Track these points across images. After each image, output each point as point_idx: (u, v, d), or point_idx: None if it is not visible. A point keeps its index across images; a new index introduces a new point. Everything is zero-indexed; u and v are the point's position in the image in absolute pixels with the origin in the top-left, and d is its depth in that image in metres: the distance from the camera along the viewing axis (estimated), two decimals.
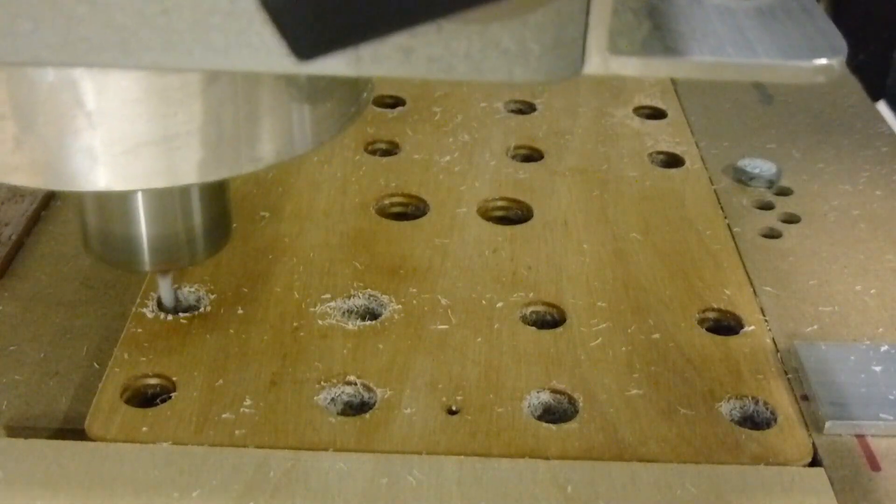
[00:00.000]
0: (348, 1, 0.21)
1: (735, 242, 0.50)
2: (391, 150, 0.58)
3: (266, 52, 0.25)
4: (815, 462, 0.38)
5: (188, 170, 0.31)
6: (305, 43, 0.22)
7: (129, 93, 0.29)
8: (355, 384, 0.41)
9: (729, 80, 0.26)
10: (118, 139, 0.30)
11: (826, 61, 0.26)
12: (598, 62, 0.26)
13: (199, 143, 0.31)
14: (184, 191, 0.38)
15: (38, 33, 0.25)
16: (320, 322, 0.44)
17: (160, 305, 0.44)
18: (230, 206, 0.42)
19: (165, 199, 0.39)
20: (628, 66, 0.26)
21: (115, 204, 0.38)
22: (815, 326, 0.45)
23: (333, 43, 0.22)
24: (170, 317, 0.43)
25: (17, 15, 0.25)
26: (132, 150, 0.30)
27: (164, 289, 0.43)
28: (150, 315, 0.43)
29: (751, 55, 0.26)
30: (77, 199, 0.40)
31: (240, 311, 0.44)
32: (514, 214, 0.53)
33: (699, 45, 0.26)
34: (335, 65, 0.23)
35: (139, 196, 0.38)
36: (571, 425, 0.39)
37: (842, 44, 0.26)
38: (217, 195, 0.40)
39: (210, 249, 0.41)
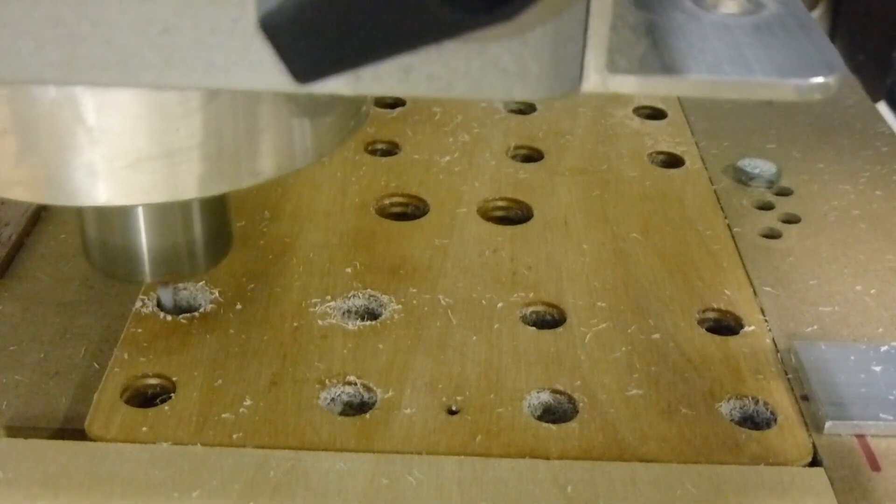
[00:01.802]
0: (348, 26, 0.21)
1: (735, 242, 0.50)
2: (391, 150, 0.58)
3: (267, 70, 0.25)
4: (815, 462, 0.38)
5: (189, 184, 0.31)
6: (304, 67, 0.23)
7: (130, 109, 0.30)
8: (355, 384, 0.41)
9: (726, 99, 0.26)
10: (119, 154, 0.30)
11: (822, 79, 0.26)
12: (596, 80, 0.26)
13: (200, 157, 0.31)
14: (184, 203, 0.38)
15: (40, 53, 0.25)
16: (320, 322, 0.44)
17: (160, 305, 0.44)
18: (231, 218, 0.42)
19: (166, 212, 0.39)
20: (626, 84, 0.26)
21: (115, 216, 0.39)
22: (815, 326, 0.45)
23: (332, 67, 0.22)
24: (169, 317, 0.43)
25: (18, 34, 0.25)
26: (133, 165, 0.30)
27: (165, 296, 0.44)
28: (149, 315, 0.43)
29: (747, 73, 0.26)
30: (77, 211, 0.40)
31: (240, 311, 0.44)
32: (514, 214, 0.53)
33: (696, 63, 0.26)
34: (334, 84, 0.24)
35: (139, 209, 0.38)
36: (571, 425, 0.39)
37: (839, 61, 0.27)
38: (217, 207, 0.40)
39: (211, 260, 0.41)
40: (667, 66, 0.26)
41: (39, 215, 0.51)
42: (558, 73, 0.25)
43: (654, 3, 0.28)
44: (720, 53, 0.26)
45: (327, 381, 0.40)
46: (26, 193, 0.32)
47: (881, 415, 0.39)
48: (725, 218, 0.52)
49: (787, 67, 0.26)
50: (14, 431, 0.39)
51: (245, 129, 0.31)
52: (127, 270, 0.40)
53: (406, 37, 0.21)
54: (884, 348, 0.43)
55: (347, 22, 0.21)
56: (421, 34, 0.21)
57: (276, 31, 0.22)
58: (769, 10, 0.28)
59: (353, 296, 0.45)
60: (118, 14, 0.24)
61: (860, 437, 0.39)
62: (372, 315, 0.45)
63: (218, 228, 0.41)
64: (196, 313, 0.44)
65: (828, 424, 0.39)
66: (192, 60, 0.25)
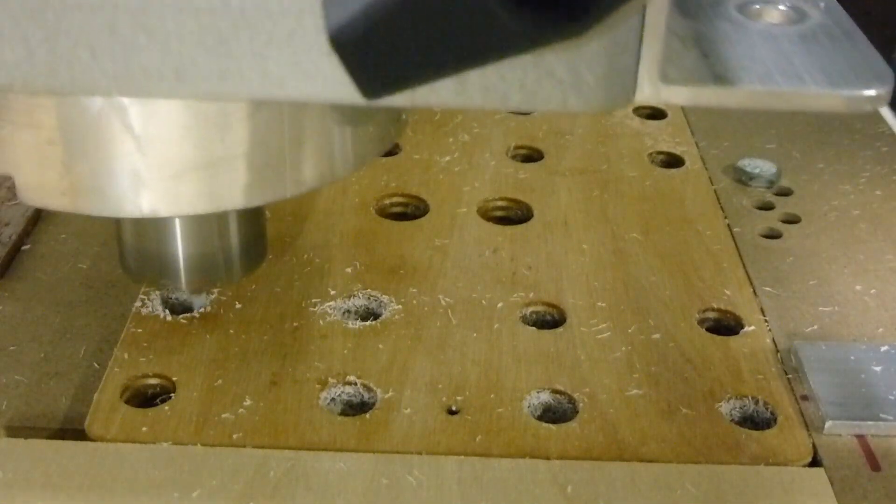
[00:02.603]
0: (419, 42, 0.21)
1: (735, 242, 0.50)
2: (391, 150, 0.58)
3: (322, 82, 0.25)
4: (815, 462, 0.38)
5: (233, 195, 0.31)
6: (373, 82, 0.22)
7: (177, 118, 0.29)
8: (355, 384, 0.41)
9: (778, 110, 0.26)
10: (165, 164, 0.30)
11: (875, 92, 0.26)
12: (649, 91, 0.26)
13: (245, 167, 0.31)
14: (222, 212, 0.38)
15: (97, 63, 0.25)
16: (320, 322, 0.44)
17: (164, 304, 0.44)
18: (266, 225, 0.41)
19: (203, 220, 0.39)
20: (679, 95, 0.26)
21: (152, 224, 0.38)
22: (815, 326, 0.45)
23: (401, 82, 0.22)
24: (169, 317, 0.43)
25: (75, 45, 0.25)
26: (179, 174, 0.30)
27: (198, 301, 0.44)
28: (149, 315, 0.43)
29: (799, 84, 0.26)
30: (115, 219, 0.40)
31: (239, 311, 0.44)
32: (514, 214, 0.53)
33: (747, 74, 0.26)
34: (392, 97, 0.24)
35: (176, 217, 0.38)
36: (571, 425, 0.39)
37: (888, 71, 0.26)
38: (254, 215, 0.40)
39: (246, 268, 0.41)
40: (718, 77, 0.26)
41: (39, 215, 0.51)
42: (613, 84, 0.25)
43: (700, 13, 0.28)
44: (770, 63, 0.26)
45: (327, 381, 0.40)
46: (71, 203, 0.31)
47: (881, 415, 0.39)
48: (725, 218, 0.52)
49: (836, 78, 0.26)
50: (14, 431, 0.39)
51: (289, 138, 0.31)
52: (162, 278, 0.40)
53: (477, 52, 0.21)
54: (884, 348, 0.43)
55: (419, 38, 0.21)
56: (492, 49, 0.21)
57: (347, 46, 0.22)
58: (813, 19, 0.28)
59: (353, 296, 0.45)
60: (175, 25, 0.24)
61: (860, 437, 0.39)
62: (372, 315, 0.45)
63: (254, 236, 0.41)
64: (196, 313, 0.44)
65: (828, 424, 0.39)
66: (247, 72, 0.25)
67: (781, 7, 0.29)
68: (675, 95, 0.26)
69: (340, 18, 0.22)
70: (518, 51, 0.21)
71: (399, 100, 0.24)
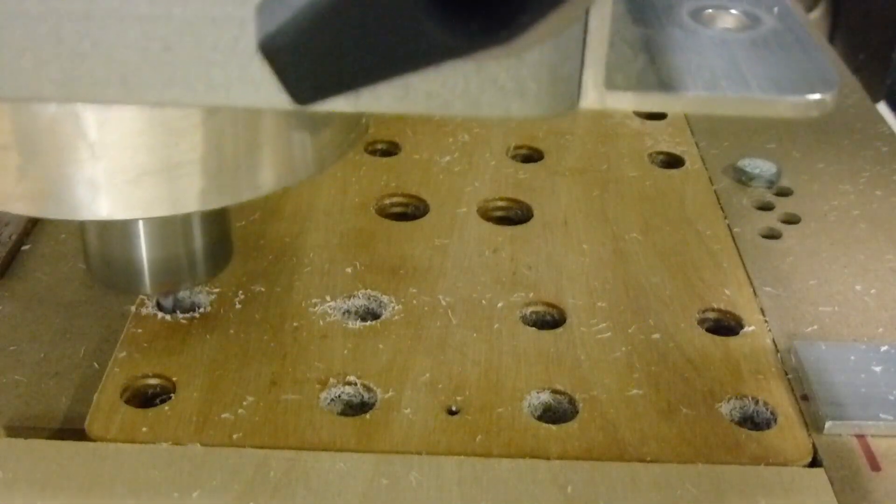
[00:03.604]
0: (347, 49, 0.21)
1: (735, 242, 0.50)
2: (391, 150, 0.58)
3: (267, 89, 0.25)
4: (815, 462, 0.38)
5: (190, 198, 0.31)
6: (304, 89, 0.23)
7: (132, 124, 0.30)
8: (355, 384, 0.41)
9: (723, 115, 0.26)
10: (121, 169, 0.30)
11: (819, 96, 0.26)
12: (594, 97, 0.26)
13: (201, 171, 0.31)
14: (185, 215, 0.38)
15: (41, 70, 0.25)
16: (320, 322, 0.44)
17: (160, 307, 0.44)
18: (231, 227, 0.42)
19: (166, 224, 0.39)
20: (624, 101, 0.26)
21: (115, 228, 0.39)
22: (815, 326, 0.45)
23: (331, 88, 0.23)
24: (169, 317, 0.43)
25: (19, 51, 0.25)
26: (134, 179, 0.30)
27: (165, 301, 0.44)
28: (149, 315, 0.43)
29: (745, 89, 0.26)
30: (79, 224, 0.40)
31: (239, 311, 0.44)
32: (514, 214, 0.53)
33: (693, 79, 0.26)
34: (333, 103, 0.24)
35: (140, 221, 0.38)
36: (571, 425, 0.39)
37: (835, 77, 0.27)
38: (218, 217, 0.40)
39: (211, 270, 0.41)
40: (664, 83, 0.26)
41: None
42: (556, 90, 0.26)
43: (652, 19, 0.28)
44: (717, 69, 0.26)
45: (327, 381, 0.40)
46: (28, 208, 0.32)
47: (881, 415, 0.39)
48: (725, 218, 0.52)
49: (783, 84, 0.26)
50: (14, 431, 0.39)
51: (245, 143, 0.31)
52: (127, 282, 0.40)
53: (405, 59, 0.21)
54: (884, 348, 0.43)
55: (347, 45, 0.21)
56: (420, 57, 0.21)
57: (276, 53, 0.22)
58: (766, 25, 0.29)
59: (353, 296, 0.45)
60: (119, 32, 0.24)
61: (860, 437, 0.39)
62: (372, 315, 0.45)
63: (218, 238, 0.41)
64: (196, 313, 0.44)
65: (828, 424, 0.39)
66: (192, 79, 0.25)
67: (734, 13, 0.29)
68: (619, 101, 0.26)
69: (270, 26, 0.22)
70: (447, 59, 0.21)
71: (342, 105, 0.24)
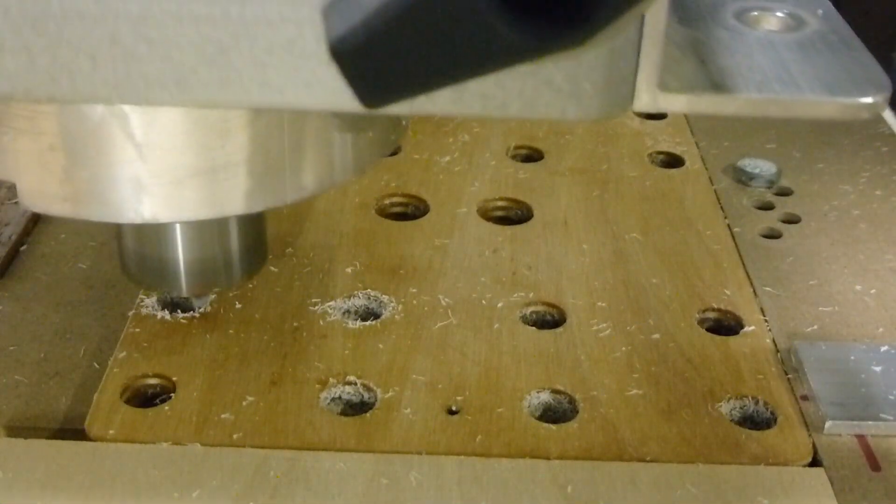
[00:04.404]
0: (418, 53, 0.21)
1: (735, 242, 0.50)
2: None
3: (322, 90, 0.25)
4: (815, 462, 0.38)
5: (233, 201, 0.31)
6: (373, 92, 0.22)
7: (178, 125, 0.30)
8: (355, 384, 0.41)
9: (775, 117, 0.26)
10: (166, 170, 0.30)
11: (871, 99, 0.26)
12: (647, 99, 0.26)
13: (245, 173, 0.31)
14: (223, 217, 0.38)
15: (97, 71, 0.25)
16: (320, 322, 0.44)
17: (162, 304, 0.44)
18: (266, 229, 0.42)
19: (204, 225, 0.39)
20: (677, 103, 0.26)
21: (152, 229, 0.39)
22: (815, 326, 0.45)
23: (401, 92, 0.22)
24: (169, 316, 0.43)
25: (76, 54, 0.25)
26: (179, 181, 0.30)
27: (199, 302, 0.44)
28: (149, 315, 0.43)
29: (796, 91, 0.26)
30: (116, 224, 0.40)
31: (239, 311, 0.44)
32: (514, 214, 0.53)
33: (745, 81, 0.26)
34: (391, 106, 0.24)
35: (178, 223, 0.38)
36: (571, 425, 0.39)
37: (885, 79, 0.26)
38: (255, 219, 0.40)
39: (247, 272, 0.41)
40: (716, 85, 0.26)
41: (39, 215, 0.51)
42: (611, 92, 0.25)
43: (698, 20, 0.28)
44: (767, 71, 0.26)
45: (327, 381, 0.40)
46: (70, 209, 0.32)
47: (881, 415, 0.39)
48: (725, 218, 0.52)
49: (834, 86, 0.26)
50: (14, 431, 0.39)
51: (290, 144, 0.31)
52: (163, 282, 0.40)
53: (476, 63, 0.21)
54: (884, 348, 0.43)
55: (419, 49, 0.21)
56: (491, 61, 0.21)
57: (347, 56, 0.22)
58: (811, 26, 0.28)
59: (353, 296, 0.45)
60: (175, 34, 0.24)
61: (860, 437, 0.39)
62: (372, 315, 0.45)
63: (255, 240, 0.41)
64: (196, 313, 0.44)
65: (828, 424, 0.39)
66: (247, 80, 0.25)
67: (779, 14, 0.29)
68: (672, 103, 0.26)
69: (341, 28, 0.22)
70: (517, 62, 0.21)
71: (398, 108, 0.24)
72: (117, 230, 0.40)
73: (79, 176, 0.31)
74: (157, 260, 0.39)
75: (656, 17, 0.25)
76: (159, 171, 0.30)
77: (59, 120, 0.30)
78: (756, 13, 0.29)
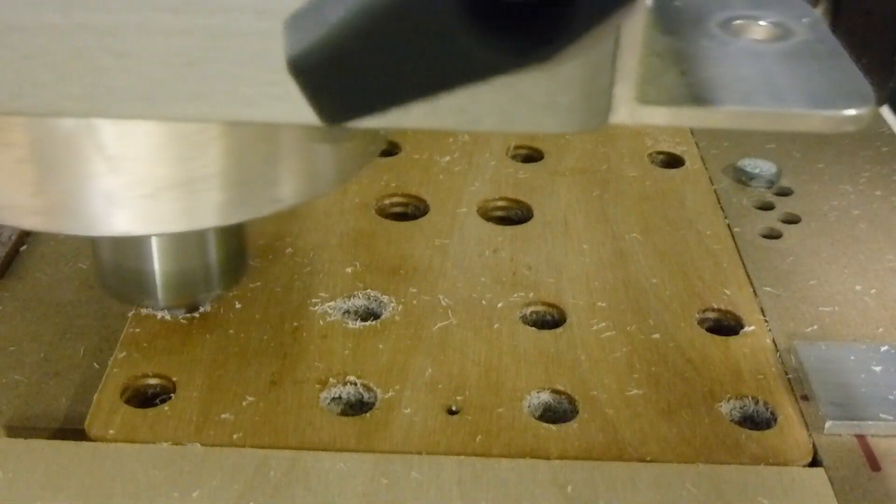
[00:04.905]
0: (381, 69, 0.21)
1: (735, 242, 0.50)
2: (391, 150, 0.58)
3: (292, 104, 0.24)
4: (815, 462, 0.38)
5: (208, 213, 0.31)
6: (334, 109, 0.22)
7: (150, 137, 0.29)
8: (355, 384, 0.41)
9: (758, 130, 0.26)
10: (138, 183, 0.30)
11: (856, 112, 0.25)
12: (625, 112, 0.25)
13: (220, 186, 0.30)
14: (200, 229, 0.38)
15: (62, 85, 0.25)
16: (320, 322, 0.44)
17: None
18: (247, 240, 0.41)
19: (181, 237, 0.38)
20: (656, 116, 0.25)
21: (128, 242, 0.38)
22: (815, 326, 0.45)
23: (363, 108, 0.22)
24: (169, 316, 0.43)
25: (40, 67, 0.24)
26: (152, 194, 0.30)
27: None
28: (149, 315, 0.43)
29: (779, 104, 0.25)
30: (91, 237, 0.40)
31: (239, 311, 0.44)
32: (514, 214, 0.53)
33: (727, 93, 0.25)
34: (361, 119, 0.23)
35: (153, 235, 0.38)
36: (571, 425, 0.39)
37: (870, 91, 0.26)
38: (234, 230, 0.40)
39: (226, 284, 0.41)
40: (697, 97, 0.25)
41: None
42: (588, 105, 0.25)
43: (681, 30, 0.28)
44: (751, 82, 0.26)
45: (327, 381, 0.40)
46: (41, 223, 0.31)
47: (881, 415, 0.39)
48: (725, 218, 0.52)
49: (819, 98, 0.25)
50: (14, 431, 0.39)
51: (265, 156, 0.31)
52: (140, 295, 0.40)
53: (440, 79, 0.21)
54: (884, 348, 0.43)
55: (381, 65, 0.20)
56: (455, 76, 0.21)
57: (307, 72, 0.21)
58: (798, 36, 0.28)
59: (353, 296, 0.45)
60: (142, 47, 0.24)
61: (860, 437, 0.39)
62: (372, 315, 0.45)
63: (235, 251, 0.40)
64: (196, 313, 0.44)
65: (828, 424, 0.39)
66: (217, 93, 0.25)
67: (764, 23, 0.28)
68: (652, 116, 0.25)
69: (300, 44, 0.21)
70: (486, 77, 0.20)
71: (370, 122, 0.23)
72: (93, 243, 0.40)
73: (49, 189, 0.30)
74: (133, 272, 0.39)
75: (634, 28, 0.25)
76: (132, 183, 0.30)
77: (29, 132, 0.29)
78: (740, 22, 0.28)
